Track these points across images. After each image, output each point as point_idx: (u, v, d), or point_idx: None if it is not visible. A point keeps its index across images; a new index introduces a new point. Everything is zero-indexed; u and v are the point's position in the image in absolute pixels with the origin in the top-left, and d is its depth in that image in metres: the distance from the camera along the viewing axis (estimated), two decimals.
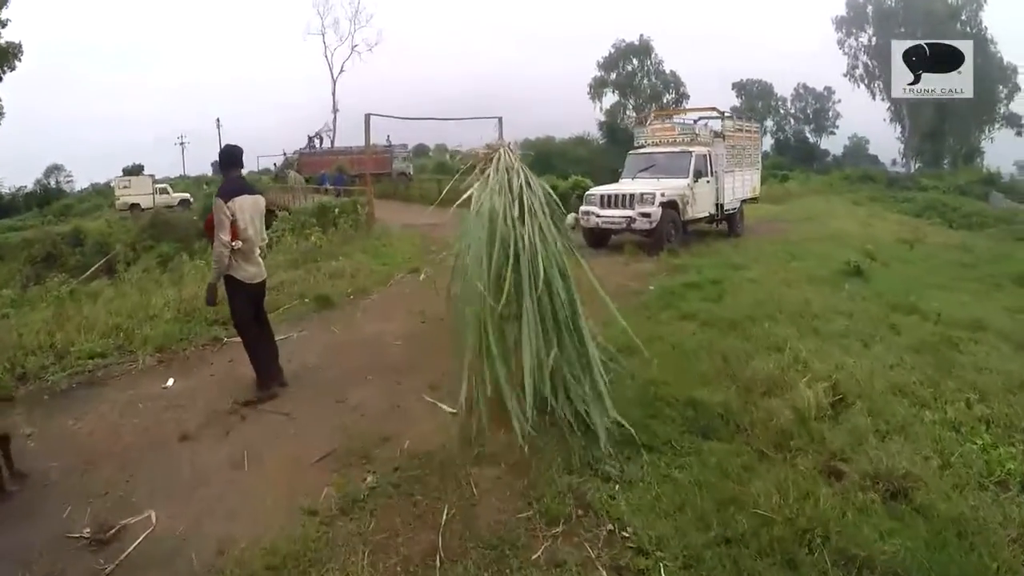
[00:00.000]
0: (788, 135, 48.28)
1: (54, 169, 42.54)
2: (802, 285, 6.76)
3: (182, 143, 51.02)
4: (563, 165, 21.24)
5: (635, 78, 42.10)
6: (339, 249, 8.81)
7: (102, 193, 31.96)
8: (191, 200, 29.88)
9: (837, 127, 47.77)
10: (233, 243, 3.81)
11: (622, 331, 3.57)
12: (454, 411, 3.41)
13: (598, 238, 9.79)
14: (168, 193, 30.59)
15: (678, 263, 7.95)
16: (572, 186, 13.95)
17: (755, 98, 47.21)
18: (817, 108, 48.04)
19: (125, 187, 29.73)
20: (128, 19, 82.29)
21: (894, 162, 40.86)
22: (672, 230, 9.25)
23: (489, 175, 3.89)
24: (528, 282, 3.23)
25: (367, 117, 10.38)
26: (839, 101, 46.38)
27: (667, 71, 42.08)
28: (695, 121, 11.62)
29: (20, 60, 29.89)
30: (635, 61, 42.19)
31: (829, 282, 7.22)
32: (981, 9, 34.08)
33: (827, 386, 3.70)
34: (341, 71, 43.48)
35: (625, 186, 9.73)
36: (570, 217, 11.24)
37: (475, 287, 3.14)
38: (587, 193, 9.93)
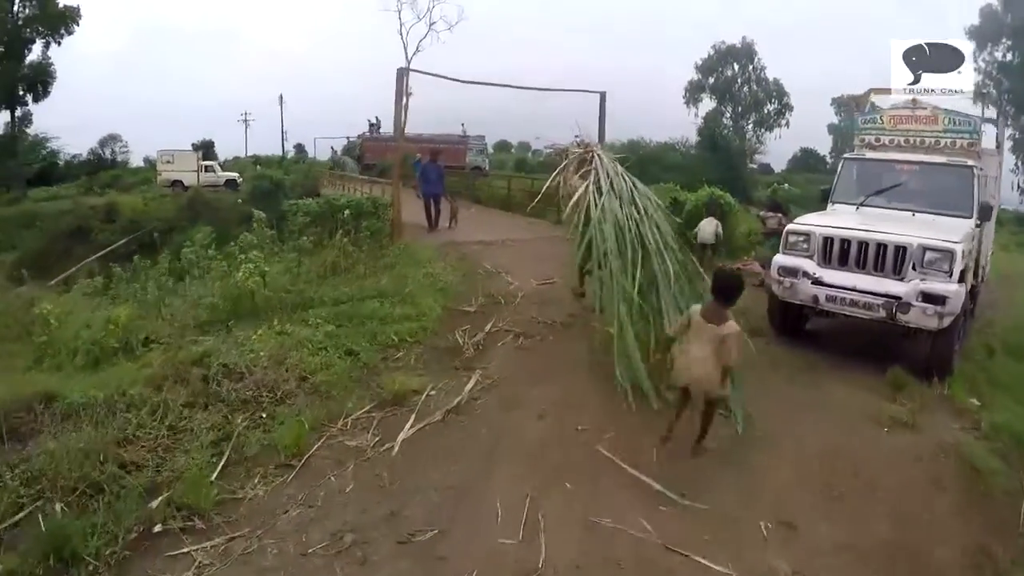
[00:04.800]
0: None
1: (109, 139, 39.94)
2: None
3: (246, 120, 49.93)
4: (656, 172, 16.40)
5: (734, 84, 36.82)
6: (313, 289, 4.88)
7: (155, 167, 30.10)
8: (239, 180, 27.54)
9: None
10: None
11: None
12: None
13: (793, 318, 5.16)
14: (214, 171, 28.41)
15: (997, 425, 3.50)
16: (704, 202, 8.26)
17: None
18: None
19: (168, 162, 27.43)
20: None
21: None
22: (962, 329, 4.67)
23: (595, 175, 4.70)
24: (660, 277, 4.04)
25: (399, 72, 6.60)
26: None
27: (769, 79, 36.73)
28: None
29: (78, 24, 28.88)
30: (735, 66, 36.98)
31: None
32: None
33: None
34: (417, 51, 40.63)
35: (880, 227, 4.59)
36: (705, 226, 7.58)
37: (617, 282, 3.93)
38: (791, 228, 5.00)
